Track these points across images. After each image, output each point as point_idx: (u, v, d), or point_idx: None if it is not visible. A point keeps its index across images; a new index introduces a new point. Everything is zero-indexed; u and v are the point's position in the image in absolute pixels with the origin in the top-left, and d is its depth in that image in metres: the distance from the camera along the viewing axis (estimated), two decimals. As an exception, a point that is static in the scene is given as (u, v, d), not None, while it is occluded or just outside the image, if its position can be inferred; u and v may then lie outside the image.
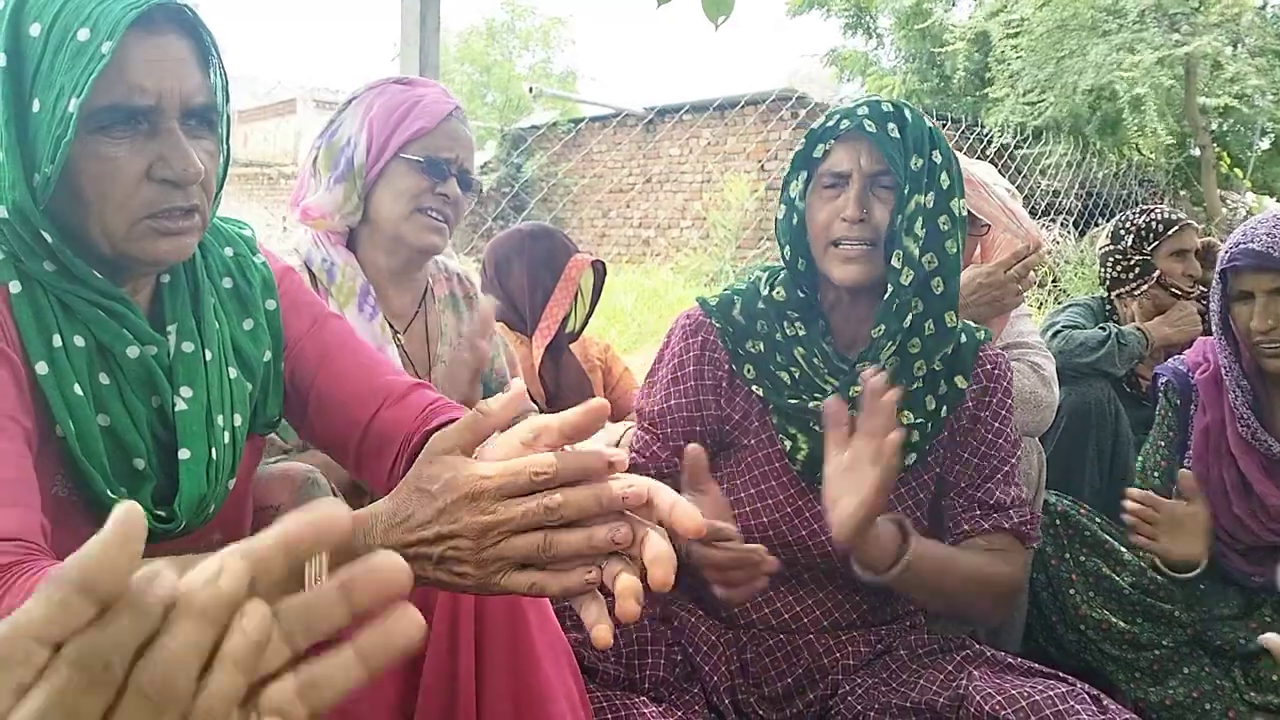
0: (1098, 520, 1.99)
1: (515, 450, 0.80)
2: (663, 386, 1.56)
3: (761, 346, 1.51)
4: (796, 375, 1.48)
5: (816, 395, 1.45)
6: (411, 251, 1.71)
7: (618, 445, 1.75)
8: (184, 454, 1.06)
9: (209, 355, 1.11)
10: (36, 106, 0.93)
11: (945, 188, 1.43)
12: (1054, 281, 7.77)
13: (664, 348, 1.60)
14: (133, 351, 1.03)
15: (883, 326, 1.43)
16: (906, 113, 1.45)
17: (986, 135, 10.10)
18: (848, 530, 1.23)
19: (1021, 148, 9.98)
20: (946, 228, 1.43)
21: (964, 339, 1.52)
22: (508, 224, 10.20)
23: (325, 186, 1.69)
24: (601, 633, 0.78)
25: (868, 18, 14.70)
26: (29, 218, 0.95)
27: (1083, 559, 1.94)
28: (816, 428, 1.42)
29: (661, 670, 1.44)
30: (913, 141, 1.42)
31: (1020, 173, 9.65)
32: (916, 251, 1.41)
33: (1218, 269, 1.86)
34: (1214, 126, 11.47)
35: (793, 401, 1.47)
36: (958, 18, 12.13)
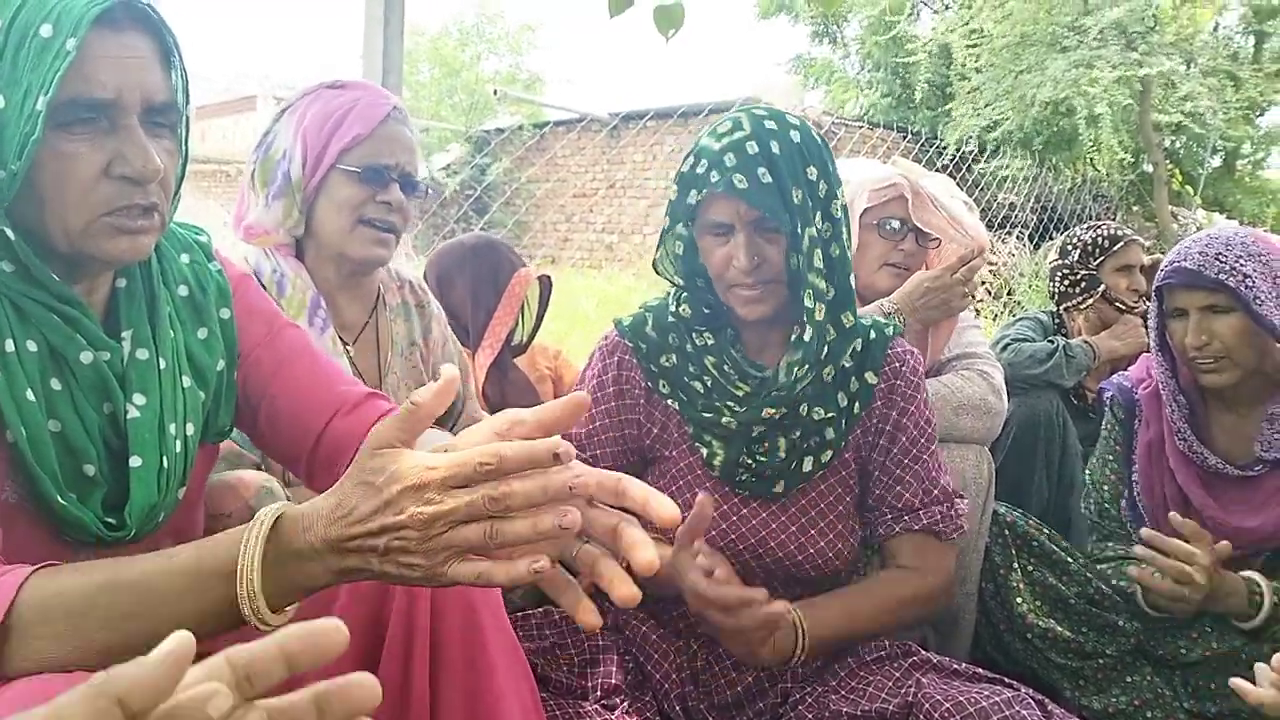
0: (1045, 531, 2.02)
1: (488, 439, 0.81)
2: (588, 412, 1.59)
3: (674, 359, 1.54)
4: (709, 384, 1.51)
5: (729, 402, 1.49)
6: (356, 264, 1.68)
7: None
8: (135, 462, 1.05)
9: (163, 364, 1.10)
10: (1, 103, 0.92)
11: (824, 196, 1.45)
12: (1009, 294, 7.88)
13: (585, 369, 1.64)
14: (86, 357, 1.03)
15: (799, 354, 1.45)
16: (774, 143, 1.41)
17: (943, 148, 10.22)
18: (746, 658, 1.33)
19: (979, 161, 10.11)
20: (831, 235, 1.46)
21: (873, 335, 1.55)
22: (470, 226, 10.18)
23: (264, 203, 1.65)
24: (587, 614, 0.81)
25: (834, 26, 14.86)
26: None
27: (1030, 569, 1.97)
28: (731, 436, 1.49)
29: (614, 678, 1.45)
30: (788, 175, 1.40)
31: (978, 186, 9.78)
32: (823, 283, 1.44)
33: (1153, 286, 1.91)
34: (1167, 144, 11.72)
35: (706, 414, 1.50)
36: (921, 30, 12.27)
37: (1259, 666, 1.29)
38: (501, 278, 2.28)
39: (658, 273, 1.60)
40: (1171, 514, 1.74)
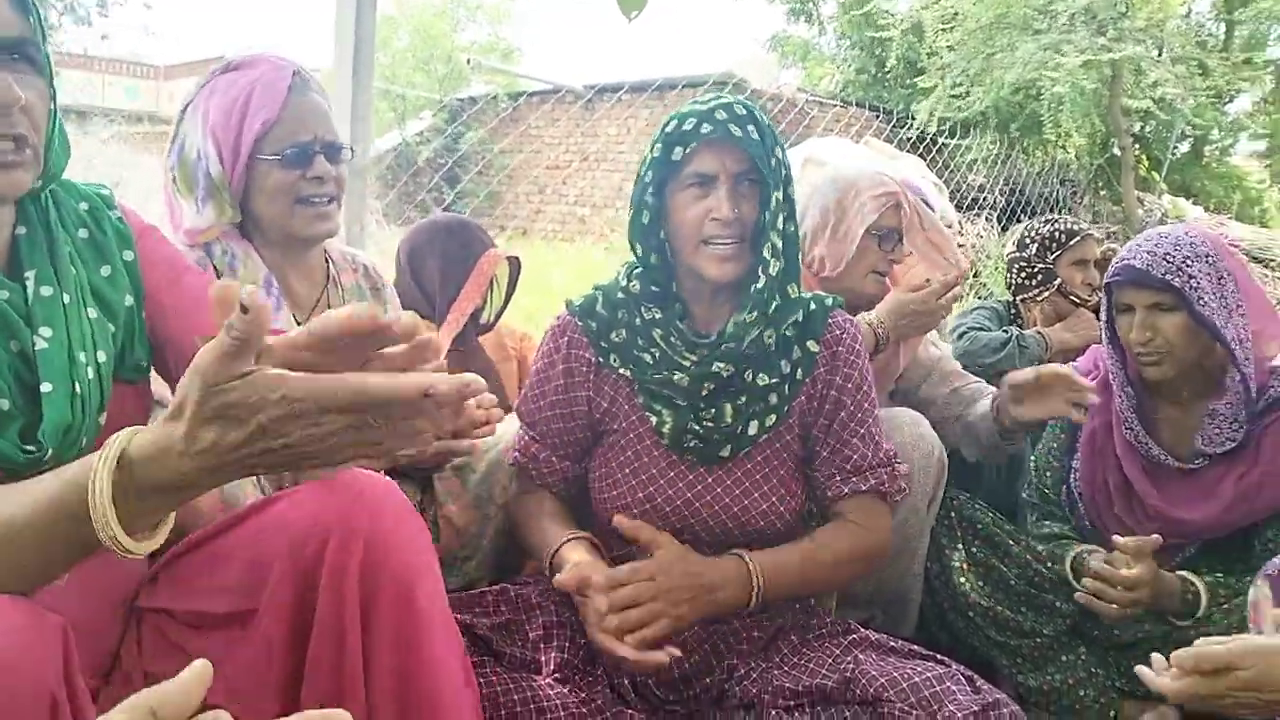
0: (990, 514, 2.10)
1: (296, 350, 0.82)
2: (536, 388, 1.68)
3: (623, 334, 1.61)
4: (657, 355, 1.59)
5: (676, 371, 1.57)
6: (305, 242, 1.70)
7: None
8: (46, 387, 1.09)
9: (67, 298, 1.14)
10: None
11: (785, 176, 1.55)
12: (975, 275, 7.96)
13: (537, 352, 1.71)
14: None
15: (754, 312, 1.53)
16: (755, 112, 1.54)
17: (915, 127, 10.27)
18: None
19: (950, 141, 10.16)
20: (787, 212, 1.56)
21: (813, 306, 1.63)
22: (442, 195, 10.12)
23: (195, 208, 1.63)
24: None
25: (811, 4, 14.83)
26: None
27: (974, 550, 2.04)
28: (679, 402, 1.57)
29: (566, 654, 1.50)
30: (770, 139, 1.53)
31: (947, 167, 9.84)
32: (780, 243, 1.53)
33: (1104, 282, 1.98)
34: (1136, 129, 11.83)
35: (656, 378, 1.57)
36: (900, 8, 12.28)
37: (1155, 657, 1.34)
38: (472, 256, 2.30)
39: (631, 245, 1.64)
40: (1115, 537, 1.80)
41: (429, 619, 1.14)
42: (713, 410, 1.57)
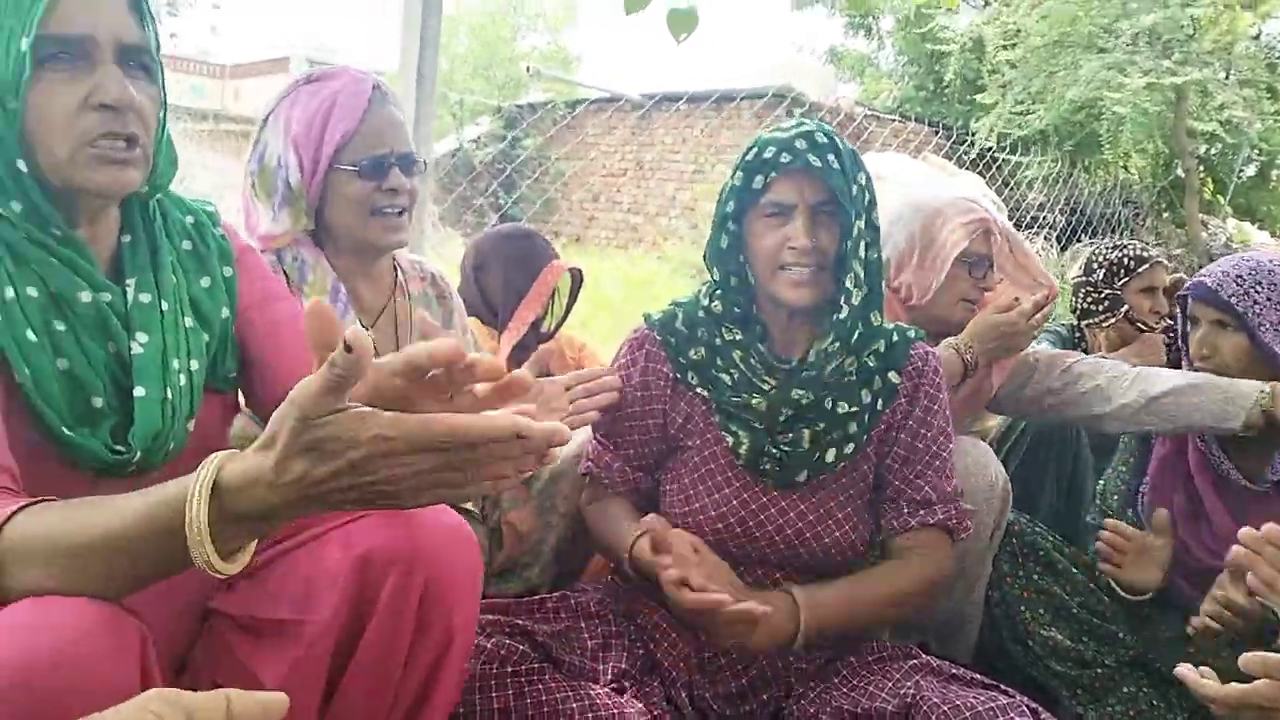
0: (1051, 539, 2.07)
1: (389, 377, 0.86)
2: (615, 403, 1.67)
3: (702, 353, 1.62)
4: (736, 376, 1.59)
5: (754, 395, 1.57)
6: (377, 252, 1.73)
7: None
8: (139, 391, 1.12)
9: (165, 306, 1.17)
10: None
11: (869, 203, 1.55)
12: (1034, 296, 7.86)
13: (614, 360, 1.72)
14: (85, 297, 1.10)
15: (836, 342, 1.54)
16: (837, 141, 1.54)
17: (972, 141, 10.16)
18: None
19: (1010, 158, 10.04)
20: (871, 239, 1.56)
21: (895, 338, 1.62)
22: (498, 200, 10.19)
23: (271, 214, 1.66)
24: None
25: (870, 18, 14.74)
26: (7, 148, 1.02)
27: (1035, 577, 2.01)
28: (757, 425, 1.56)
29: (624, 663, 1.50)
30: (851, 168, 1.53)
31: (1006, 184, 9.73)
32: (862, 272, 1.53)
33: (1178, 294, 2.02)
34: (1200, 151, 11.60)
35: (734, 400, 1.57)
36: (960, 23, 12.17)
37: (1204, 669, 1.30)
38: (535, 266, 2.36)
39: (709, 267, 1.65)
40: (1158, 510, 1.86)
41: (458, 666, 1.19)
42: (790, 435, 1.56)
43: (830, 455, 1.56)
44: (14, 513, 0.88)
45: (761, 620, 1.35)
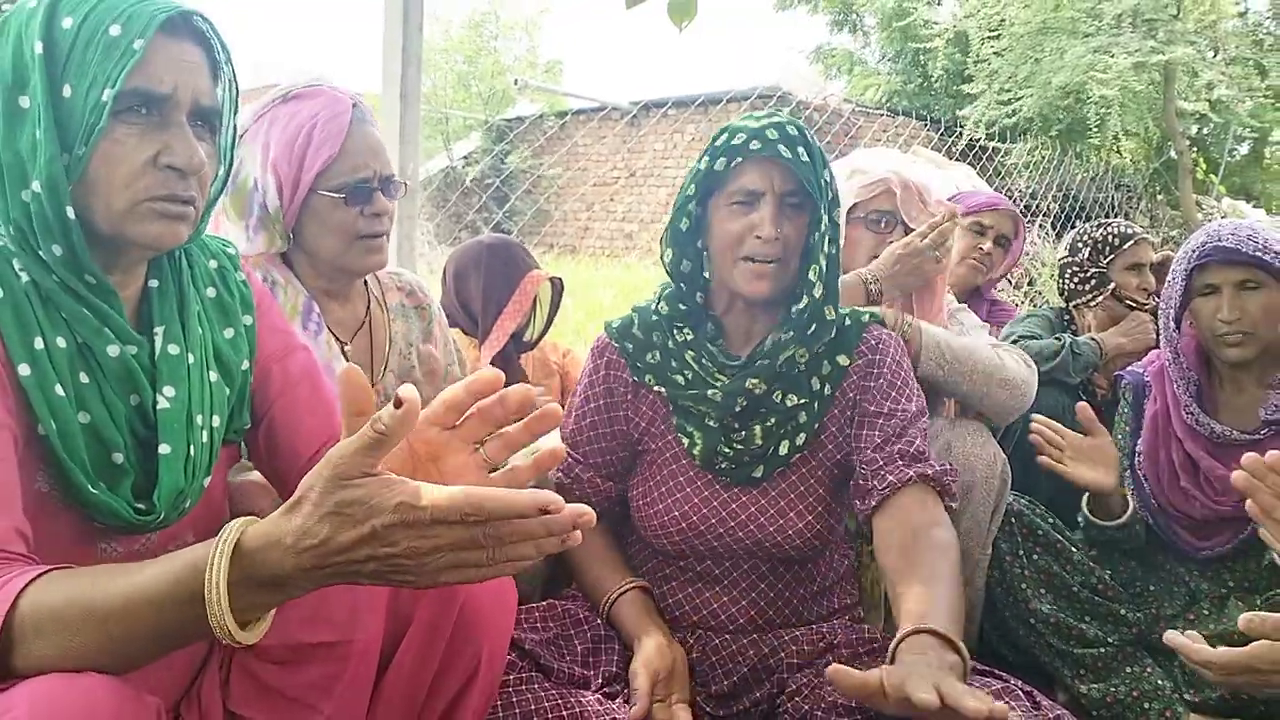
0: (1050, 520, 2.06)
1: (428, 425, 0.88)
2: (578, 409, 1.69)
3: (657, 355, 1.62)
4: (690, 376, 1.59)
5: (709, 388, 1.56)
6: (355, 275, 1.71)
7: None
8: (164, 449, 1.10)
9: (191, 358, 1.15)
10: (68, 92, 1.00)
11: (833, 198, 1.55)
12: (1030, 284, 7.83)
13: (581, 373, 1.72)
14: (113, 350, 1.07)
15: (791, 333, 1.53)
16: (808, 135, 1.53)
17: (961, 132, 10.16)
18: None
19: (1000, 147, 10.04)
20: (833, 234, 1.55)
21: (847, 322, 1.63)
22: (491, 215, 10.21)
23: (246, 235, 1.64)
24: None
25: (854, 15, 14.77)
26: (60, 194, 1.01)
27: (1035, 557, 2.00)
28: (711, 424, 1.56)
29: (615, 667, 1.49)
30: (820, 162, 1.52)
31: (999, 174, 9.72)
32: (825, 265, 1.53)
33: (1182, 266, 1.98)
34: (1191, 132, 11.59)
35: (690, 394, 1.57)
36: (942, 16, 12.19)
37: (1190, 633, 1.29)
38: (514, 275, 2.36)
39: (662, 251, 1.63)
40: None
41: (485, 693, 1.19)
42: (743, 433, 1.56)
43: (784, 448, 1.56)
44: (28, 584, 0.86)
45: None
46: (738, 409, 1.55)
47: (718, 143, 1.54)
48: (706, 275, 1.59)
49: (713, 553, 1.58)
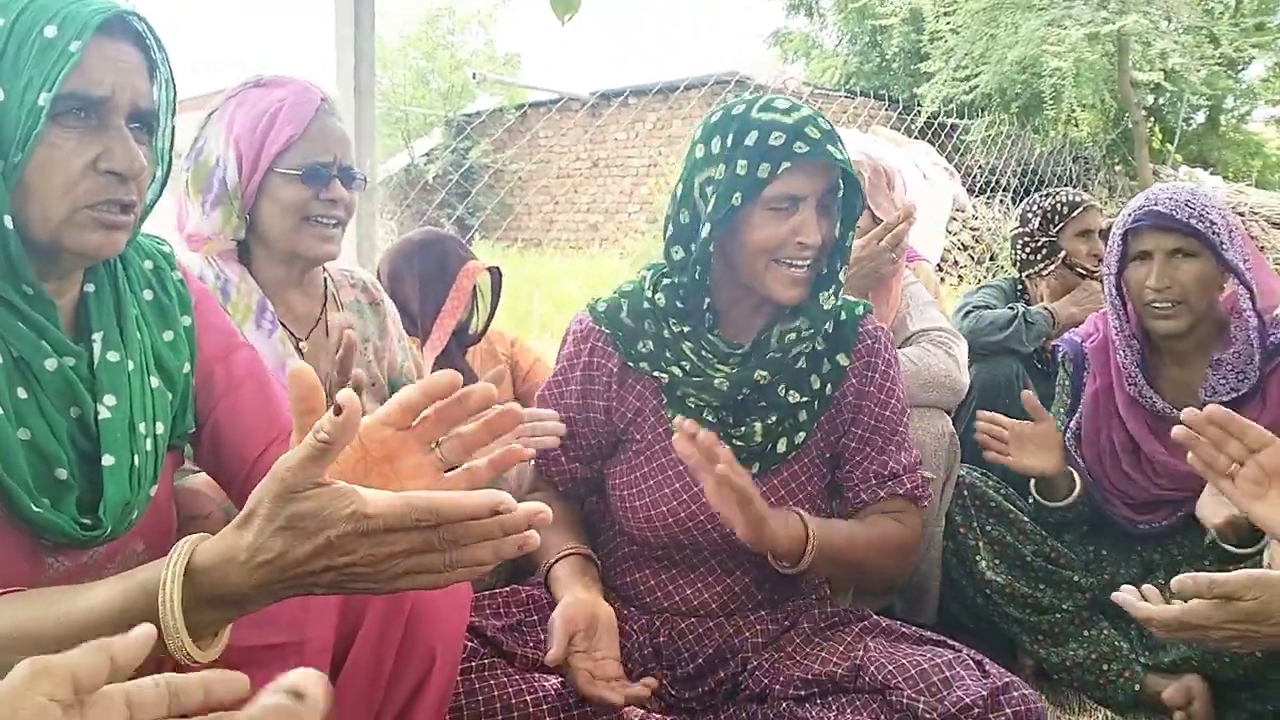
0: (1003, 491, 2.09)
1: (381, 427, 0.87)
2: (553, 389, 1.65)
3: (650, 345, 1.56)
4: (687, 368, 1.54)
5: (715, 375, 1.52)
6: (307, 262, 1.70)
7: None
8: (108, 460, 1.07)
9: (131, 365, 1.12)
10: (1, 96, 0.96)
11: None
12: (991, 258, 7.90)
13: (560, 350, 1.67)
14: (50, 364, 1.05)
15: (808, 325, 1.50)
16: (829, 121, 1.47)
17: (919, 110, 10.23)
18: (750, 539, 1.34)
19: (959, 123, 10.10)
20: (851, 227, 1.52)
21: (843, 316, 1.59)
22: (453, 211, 10.16)
23: (203, 212, 1.64)
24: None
25: (808, -3, 14.82)
26: None
27: (989, 528, 2.03)
28: (709, 418, 1.52)
29: (576, 652, 1.49)
30: (847, 154, 1.46)
31: (958, 150, 9.79)
32: (839, 263, 1.50)
33: (1117, 231, 1.95)
34: (1147, 102, 11.72)
35: (695, 380, 1.52)
36: (897, -3, 12.24)
37: (1146, 588, 1.32)
38: (449, 270, 2.28)
39: (665, 230, 1.57)
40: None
41: (441, 689, 1.19)
42: (742, 428, 1.53)
43: (781, 446, 1.54)
44: None
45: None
46: (740, 398, 1.52)
47: (750, 143, 1.41)
48: (711, 264, 1.51)
49: (695, 545, 1.56)
